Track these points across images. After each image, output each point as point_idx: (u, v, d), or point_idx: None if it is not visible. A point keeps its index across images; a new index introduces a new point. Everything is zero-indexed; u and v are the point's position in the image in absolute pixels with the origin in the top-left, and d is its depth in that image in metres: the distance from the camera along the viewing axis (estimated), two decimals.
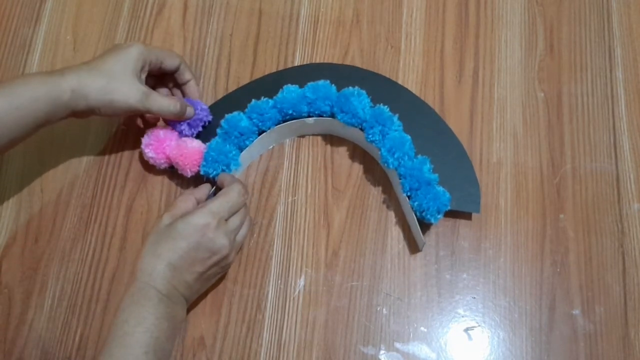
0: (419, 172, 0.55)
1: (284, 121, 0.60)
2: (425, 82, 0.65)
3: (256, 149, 0.61)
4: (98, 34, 0.68)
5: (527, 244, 0.59)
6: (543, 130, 0.63)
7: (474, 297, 0.57)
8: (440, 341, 0.56)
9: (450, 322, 0.57)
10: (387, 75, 0.65)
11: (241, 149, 0.59)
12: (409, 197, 0.56)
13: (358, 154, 0.62)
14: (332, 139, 0.63)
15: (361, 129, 0.59)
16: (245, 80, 0.65)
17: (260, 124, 0.59)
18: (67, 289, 0.58)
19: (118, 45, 0.56)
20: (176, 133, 0.60)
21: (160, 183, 0.61)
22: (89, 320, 0.57)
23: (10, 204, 0.61)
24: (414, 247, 0.59)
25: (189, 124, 0.59)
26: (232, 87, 0.65)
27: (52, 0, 0.69)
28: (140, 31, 0.68)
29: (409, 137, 0.57)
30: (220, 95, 0.64)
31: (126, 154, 0.63)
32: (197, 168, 0.58)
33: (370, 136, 0.57)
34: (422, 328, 0.56)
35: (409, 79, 0.65)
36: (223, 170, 0.57)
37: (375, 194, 0.61)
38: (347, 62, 0.66)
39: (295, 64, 0.66)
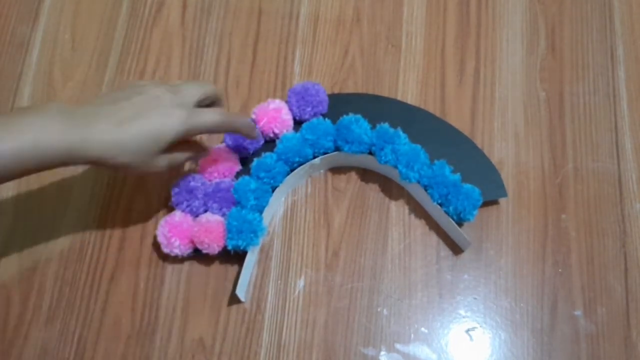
0: (442, 177, 0.55)
1: (292, 169, 0.58)
2: (426, 82, 0.65)
3: (272, 205, 0.58)
4: (97, 33, 0.67)
5: (528, 244, 0.59)
6: (545, 129, 0.63)
7: (475, 298, 0.57)
8: (441, 342, 0.56)
9: (451, 323, 0.56)
10: (388, 76, 0.65)
11: (260, 211, 0.56)
12: (440, 204, 0.56)
13: None
14: None
15: (369, 153, 0.58)
16: (245, 79, 0.65)
17: (271, 181, 0.57)
18: (65, 290, 0.57)
19: (155, 115, 0.47)
20: (187, 213, 0.57)
21: (159, 182, 0.61)
22: (88, 320, 0.56)
23: (8, 203, 0.60)
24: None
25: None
26: (232, 87, 0.65)
27: None
28: (139, 30, 0.67)
29: (419, 146, 0.57)
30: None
31: None
32: (223, 242, 0.55)
33: (382, 157, 0.57)
34: (423, 329, 0.56)
35: (410, 78, 0.65)
36: (251, 239, 0.54)
37: (375, 194, 0.61)
38: (347, 61, 0.66)
39: (295, 64, 0.66)
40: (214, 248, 0.55)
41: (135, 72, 0.65)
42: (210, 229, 0.54)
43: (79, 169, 0.61)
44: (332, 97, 0.61)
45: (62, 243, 0.59)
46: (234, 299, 0.57)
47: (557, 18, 0.68)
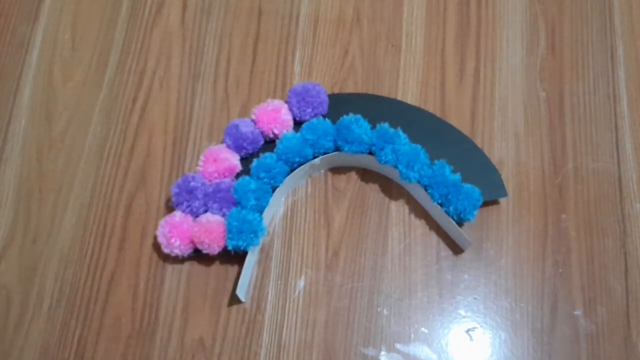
0: (442, 177, 0.56)
1: (292, 170, 0.58)
2: (426, 82, 0.65)
3: (273, 205, 0.58)
4: (97, 33, 0.67)
5: (528, 244, 0.59)
6: (545, 129, 0.63)
7: (475, 298, 0.57)
8: (442, 342, 0.56)
9: (451, 323, 0.56)
10: (388, 76, 0.65)
11: (260, 212, 0.56)
12: (440, 204, 0.56)
13: None
14: None
15: (369, 153, 0.58)
16: (245, 79, 0.65)
17: (271, 181, 0.57)
18: (65, 290, 0.57)
19: None
20: (188, 214, 0.56)
21: (159, 183, 0.61)
22: (88, 321, 0.56)
23: (8, 203, 0.60)
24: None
25: None
26: (232, 87, 0.65)
27: None
28: (139, 30, 0.67)
29: (419, 146, 0.57)
30: (219, 95, 0.64)
31: (125, 153, 0.62)
32: (223, 242, 0.55)
33: (383, 157, 0.57)
34: (423, 329, 0.56)
35: (410, 78, 0.65)
36: (251, 239, 0.54)
37: (375, 194, 0.61)
38: (347, 61, 0.66)
39: (295, 64, 0.66)
40: (214, 248, 0.55)
41: (135, 72, 0.65)
42: (211, 229, 0.54)
43: (80, 167, 0.61)
44: (332, 97, 0.61)
45: (62, 243, 0.59)
46: (234, 299, 0.57)
47: (557, 18, 0.68)
